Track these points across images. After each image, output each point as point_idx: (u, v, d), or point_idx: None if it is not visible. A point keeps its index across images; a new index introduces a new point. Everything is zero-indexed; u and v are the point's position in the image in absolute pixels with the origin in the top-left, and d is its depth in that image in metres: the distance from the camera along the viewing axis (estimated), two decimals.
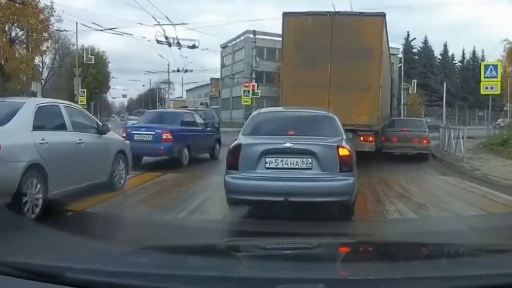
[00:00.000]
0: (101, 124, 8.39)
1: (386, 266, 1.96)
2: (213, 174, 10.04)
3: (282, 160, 6.01)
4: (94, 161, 7.54)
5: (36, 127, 6.41)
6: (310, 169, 5.98)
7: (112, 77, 55.73)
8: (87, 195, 7.21)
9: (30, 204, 5.84)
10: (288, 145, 5.99)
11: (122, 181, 8.44)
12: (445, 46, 70.63)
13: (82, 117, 7.92)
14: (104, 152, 7.96)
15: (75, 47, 36.12)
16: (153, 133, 11.74)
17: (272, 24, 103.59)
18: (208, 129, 14.49)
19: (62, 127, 7.04)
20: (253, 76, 39.23)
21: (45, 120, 6.75)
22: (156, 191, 8.80)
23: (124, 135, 11.14)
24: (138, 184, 9.26)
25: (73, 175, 6.87)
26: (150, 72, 53.41)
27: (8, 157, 5.65)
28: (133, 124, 15.52)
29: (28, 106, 6.61)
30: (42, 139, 6.33)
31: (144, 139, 11.67)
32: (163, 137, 11.63)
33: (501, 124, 33.77)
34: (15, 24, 25.39)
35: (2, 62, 24.30)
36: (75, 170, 6.90)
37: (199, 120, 14.28)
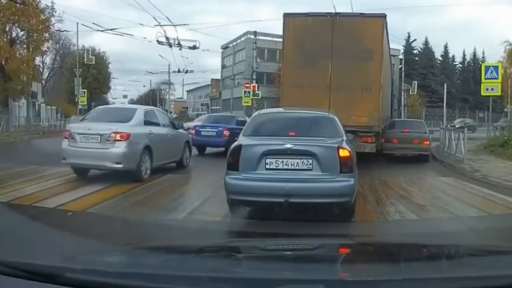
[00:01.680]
0: (176, 122, 12.34)
1: (387, 267, 1.96)
2: (213, 175, 10.03)
3: (282, 161, 6.00)
4: (174, 146, 11.03)
5: (145, 123, 9.94)
6: (310, 170, 5.97)
7: (113, 78, 55.94)
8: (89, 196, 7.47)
9: (144, 170, 9.39)
10: (288, 146, 5.99)
11: (187, 162, 11.92)
12: (445, 47, 70.77)
13: (166, 117, 11.96)
14: (178, 141, 11.44)
15: (76, 48, 36.22)
16: (216, 130, 15.53)
17: (273, 25, 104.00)
18: None
19: (157, 124, 10.53)
20: (254, 77, 39.27)
21: (149, 119, 10.24)
22: (156, 191, 8.80)
23: (193, 131, 15.55)
24: (138, 185, 9.26)
25: (164, 154, 10.39)
26: (150, 72, 53.49)
27: (134, 141, 9.22)
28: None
29: (140, 110, 10.37)
30: (150, 131, 9.90)
31: (209, 134, 15.61)
32: (224, 133, 15.27)
33: (456, 126, 33.49)
34: (16, 24, 25.39)
35: (3, 62, 24.27)
36: (165, 151, 10.40)
37: None
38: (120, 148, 8.94)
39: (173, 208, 7.24)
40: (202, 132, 15.75)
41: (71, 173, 9.69)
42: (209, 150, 15.84)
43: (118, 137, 8.96)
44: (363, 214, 6.93)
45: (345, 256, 2.31)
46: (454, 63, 72.57)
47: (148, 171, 9.56)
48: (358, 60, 11.64)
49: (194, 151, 13.79)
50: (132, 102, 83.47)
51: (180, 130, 12.01)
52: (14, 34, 25.80)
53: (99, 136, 9.00)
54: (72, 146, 9.18)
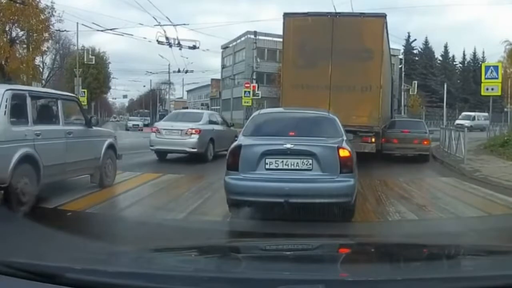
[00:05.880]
0: (228, 122, 16.48)
1: (386, 267, 1.96)
2: (212, 175, 10.03)
3: (282, 161, 6.00)
4: (227, 139, 13.63)
5: (209, 123, 14.18)
6: (310, 170, 5.97)
7: (113, 78, 55.75)
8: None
9: (209, 154, 13.47)
10: (288, 146, 5.98)
11: None
12: (445, 47, 70.69)
13: (221, 118, 16.27)
14: (231, 135, 14.57)
15: (76, 48, 36.13)
16: None
17: (273, 25, 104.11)
18: None
19: (217, 123, 14.85)
20: (254, 77, 39.24)
21: (212, 119, 14.62)
22: (156, 191, 8.81)
23: None
24: (138, 185, 9.27)
25: (221, 144, 13.50)
26: (150, 72, 53.42)
27: (203, 134, 13.26)
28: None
29: (206, 114, 15.19)
30: (213, 128, 14.11)
31: None
32: None
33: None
34: (16, 24, 25.34)
35: (3, 62, 24.24)
36: (222, 142, 13.63)
37: None
38: (194, 139, 13.08)
39: (173, 208, 7.24)
40: None
41: None
42: None
43: (193, 131, 13.12)
44: (363, 214, 6.93)
45: (345, 256, 2.31)
46: (454, 63, 72.50)
47: (211, 155, 13.58)
48: (358, 60, 11.64)
49: None
50: (132, 102, 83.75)
51: (232, 128, 16.19)
52: (14, 34, 25.76)
53: (180, 131, 13.17)
54: (159, 137, 13.34)
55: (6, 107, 6.21)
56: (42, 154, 6.64)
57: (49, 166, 6.79)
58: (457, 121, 29.62)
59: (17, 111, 6.52)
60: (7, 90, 6.43)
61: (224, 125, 15.42)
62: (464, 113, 39.61)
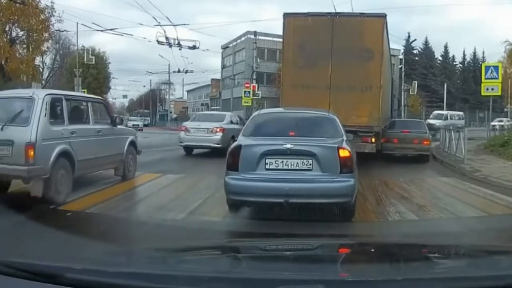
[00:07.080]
0: (245, 121, 16.60)
1: (386, 267, 1.96)
2: (212, 175, 10.02)
3: (282, 161, 6.00)
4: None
5: (231, 122, 16.22)
6: (310, 170, 5.96)
7: (113, 78, 55.63)
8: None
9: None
10: (288, 146, 5.98)
11: None
12: (445, 47, 70.69)
13: (240, 118, 18.23)
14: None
15: (76, 48, 36.16)
16: None
17: (273, 25, 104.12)
18: None
19: (237, 123, 16.54)
20: (254, 77, 39.22)
21: (232, 120, 16.69)
22: (155, 191, 8.80)
23: None
24: (137, 185, 9.27)
25: None
26: (150, 72, 53.49)
27: (226, 132, 15.01)
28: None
29: (228, 115, 17.44)
30: (234, 127, 15.56)
31: None
32: None
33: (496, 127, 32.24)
34: (16, 24, 25.36)
35: (3, 62, 24.27)
36: None
37: None
38: (219, 136, 15.08)
39: (173, 208, 7.23)
40: None
41: None
42: None
43: (218, 130, 15.19)
44: (363, 214, 6.93)
45: (345, 256, 2.31)
46: (454, 63, 72.50)
47: None
48: (358, 60, 11.64)
49: None
50: (132, 102, 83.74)
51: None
52: (14, 34, 25.79)
53: (206, 129, 15.29)
54: (187, 135, 15.47)
55: (46, 110, 7.10)
56: (76, 150, 7.59)
57: (82, 160, 7.73)
58: (428, 121, 27.14)
59: (55, 113, 7.46)
60: (46, 95, 7.30)
61: (242, 124, 16.34)
62: (435, 112, 36.46)
